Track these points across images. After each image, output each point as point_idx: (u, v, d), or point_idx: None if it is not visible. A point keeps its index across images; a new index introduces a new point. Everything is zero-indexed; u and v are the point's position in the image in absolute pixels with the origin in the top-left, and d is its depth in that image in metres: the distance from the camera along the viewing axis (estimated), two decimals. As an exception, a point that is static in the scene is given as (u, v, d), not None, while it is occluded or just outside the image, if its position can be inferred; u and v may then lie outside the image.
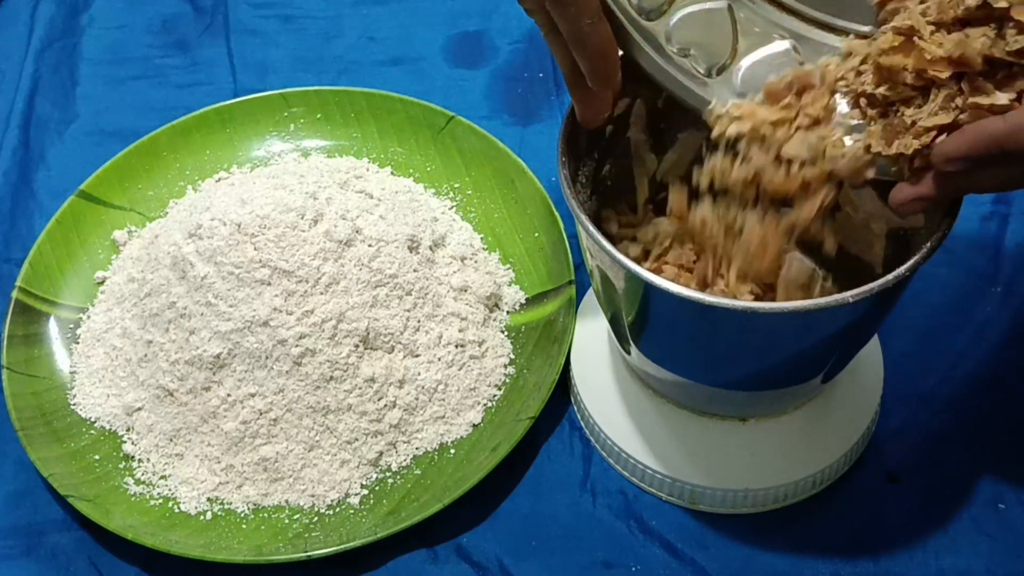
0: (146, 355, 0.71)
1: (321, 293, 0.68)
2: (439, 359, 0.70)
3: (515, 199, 0.79)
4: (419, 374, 0.69)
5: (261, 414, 0.67)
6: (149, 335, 0.71)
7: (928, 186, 0.51)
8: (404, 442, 0.69)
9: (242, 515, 0.67)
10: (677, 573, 0.64)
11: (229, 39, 0.94)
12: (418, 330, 0.70)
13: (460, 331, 0.72)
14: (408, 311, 0.70)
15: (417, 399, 0.69)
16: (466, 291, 0.73)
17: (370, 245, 0.70)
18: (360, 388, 0.68)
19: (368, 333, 0.68)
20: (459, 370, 0.71)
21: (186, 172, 0.83)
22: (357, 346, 0.68)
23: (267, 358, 0.67)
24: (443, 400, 0.70)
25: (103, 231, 0.80)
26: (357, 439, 0.68)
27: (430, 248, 0.74)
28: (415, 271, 0.72)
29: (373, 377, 0.68)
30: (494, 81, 0.90)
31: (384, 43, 0.93)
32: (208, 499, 0.68)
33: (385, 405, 0.68)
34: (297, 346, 0.67)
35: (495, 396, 0.71)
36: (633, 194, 0.69)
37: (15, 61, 0.93)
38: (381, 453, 0.68)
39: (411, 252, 0.72)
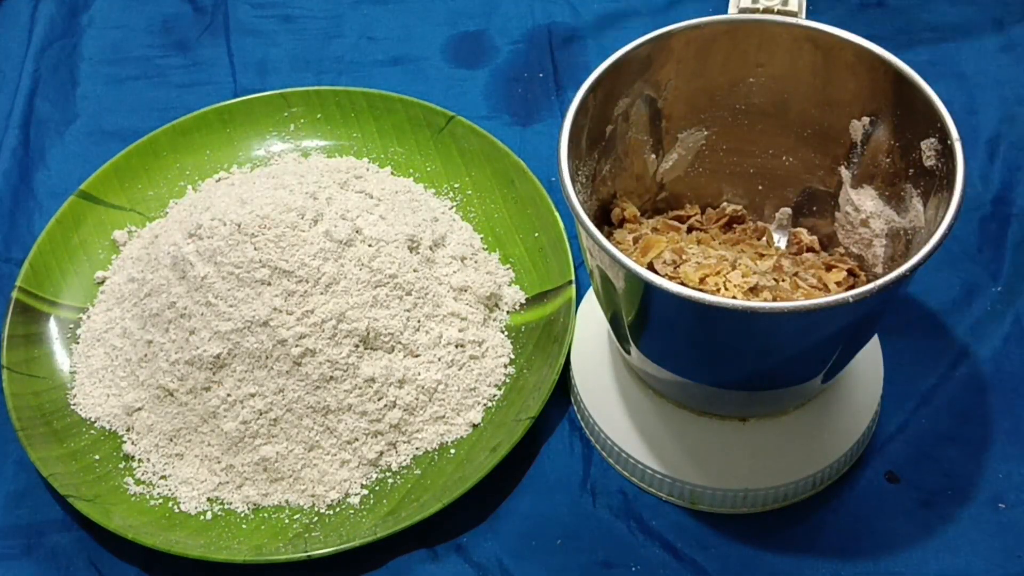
0: (146, 355, 0.71)
1: (321, 293, 0.68)
2: (439, 359, 0.70)
3: (515, 199, 0.79)
4: (419, 374, 0.69)
5: (261, 414, 0.67)
6: (149, 335, 0.71)
7: None
8: (404, 442, 0.69)
9: (242, 515, 0.67)
10: (677, 573, 0.64)
11: (229, 39, 0.94)
12: (418, 330, 0.70)
13: (460, 331, 0.72)
14: (408, 311, 0.70)
15: (417, 399, 0.69)
16: (466, 291, 0.73)
17: (370, 245, 0.70)
18: (360, 388, 0.68)
19: (368, 333, 0.68)
20: (459, 370, 0.71)
21: (186, 172, 0.83)
22: (357, 346, 0.68)
23: (267, 358, 0.67)
24: (443, 400, 0.70)
25: (103, 231, 0.80)
26: (357, 439, 0.68)
27: (430, 248, 0.74)
28: (415, 271, 0.72)
29: (373, 377, 0.68)
30: (494, 81, 0.90)
31: (384, 43, 0.93)
32: (208, 499, 0.68)
33: (385, 405, 0.68)
34: (297, 346, 0.67)
35: (495, 396, 0.71)
36: (633, 194, 0.69)
37: (15, 61, 0.93)
38: (381, 453, 0.68)
39: (411, 252, 0.72)
